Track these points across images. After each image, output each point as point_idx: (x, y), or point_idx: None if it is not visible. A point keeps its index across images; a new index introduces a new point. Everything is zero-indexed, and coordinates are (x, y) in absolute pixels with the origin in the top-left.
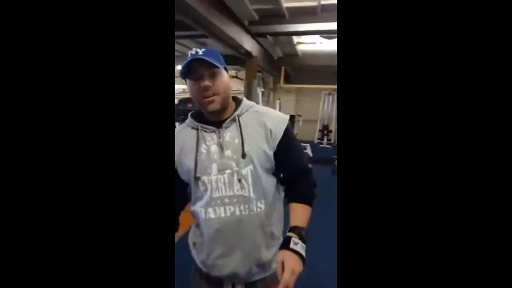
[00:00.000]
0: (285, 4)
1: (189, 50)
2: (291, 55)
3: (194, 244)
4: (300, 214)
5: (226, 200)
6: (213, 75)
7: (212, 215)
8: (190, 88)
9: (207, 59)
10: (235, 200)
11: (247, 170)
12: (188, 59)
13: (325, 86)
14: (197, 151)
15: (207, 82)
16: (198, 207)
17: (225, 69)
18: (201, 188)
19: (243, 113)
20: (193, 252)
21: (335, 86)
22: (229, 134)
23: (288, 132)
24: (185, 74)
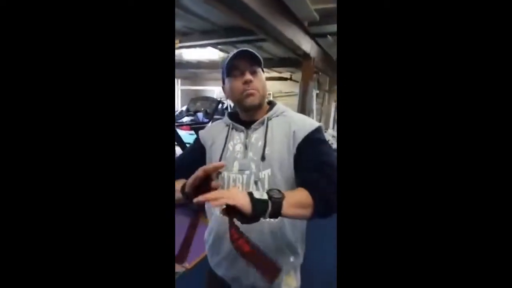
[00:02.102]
0: None
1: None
2: None
3: (206, 242)
4: (295, 194)
5: None
6: (254, 72)
7: (220, 212)
8: (230, 85)
9: (252, 51)
10: None
11: (264, 174)
12: (232, 54)
13: None
14: (224, 146)
15: (249, 76)
16: None
17: (262, 70)
18: (220, 183)
19: (273, 117)
20: (207, 250)
21: None
22: (255, 135)
23: (310, 139)
24: (227, 73)
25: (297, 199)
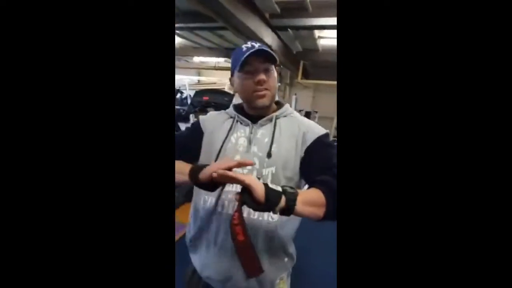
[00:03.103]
0: None
1: (207, 41)
2: (311, 50)
3: (191, 240)
4: (308, 192)
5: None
6: (267, 71)
7: (219, 209)
8: (240, 81)
9: (269, 51)
10: None
11: (268, 171)
12: (248, 52)
13: None
14: (226, 137)
15: (263, 76)
16: (204, 194)
17: (276, 66)
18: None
19: (281, 116)
20: (190, 250)
21: None
22: (262, 131)
23: (321, 142)
24: (239, 67)
25: (311, 197)
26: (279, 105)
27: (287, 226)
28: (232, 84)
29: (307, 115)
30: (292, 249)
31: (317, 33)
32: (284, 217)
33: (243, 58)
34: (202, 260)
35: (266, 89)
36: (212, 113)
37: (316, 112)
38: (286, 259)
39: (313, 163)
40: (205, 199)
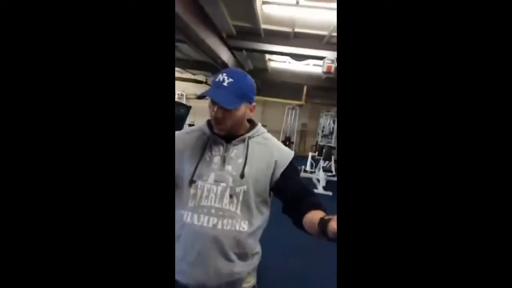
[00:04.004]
0: (263, 26)
1: None
2: (261, 70)
3: None
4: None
5: (213, 211)
6: (227, 110)
7: (195, 221)
8: (209, 105)
9: (221, 104)
10: (221, 213)
11: (241, 189)
12: (206, 94)
13: (290, 101)
14: (201, 156)
15: (218, 114)
16: (181, 209)
17: (249, 102)
18: (192, 192)
19: (254, 137)
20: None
21: (299, 102)
22: (235, 151)
23: (292, 165)
24: (203, 95)
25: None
26: (252, 123)
27: (255, 233)
28: None
29: None
30: (258, 248)
31: (267, 56)
32: (254, 227)
33: (207, 93)
34: (178, 266)
35: (223, 123)
36: (182, 131)
37: (265, 126)
38: (254, 259)
39: (289, 185)
40: (181, 213)
